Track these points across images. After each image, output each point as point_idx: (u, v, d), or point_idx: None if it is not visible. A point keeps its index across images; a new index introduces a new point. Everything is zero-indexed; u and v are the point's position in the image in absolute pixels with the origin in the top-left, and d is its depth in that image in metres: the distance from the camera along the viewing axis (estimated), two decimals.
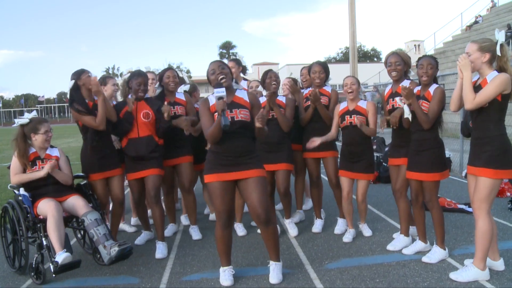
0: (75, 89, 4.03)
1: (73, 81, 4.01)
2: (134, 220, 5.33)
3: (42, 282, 3.57)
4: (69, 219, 3.96)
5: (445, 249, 3.72)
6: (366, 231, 4.49)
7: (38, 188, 3.83)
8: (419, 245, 3.90)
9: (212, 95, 3.34)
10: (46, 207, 3.62)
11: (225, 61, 4.49)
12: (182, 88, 4.86)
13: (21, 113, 4.58)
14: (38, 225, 3.67)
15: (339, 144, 4.53)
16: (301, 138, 4.71)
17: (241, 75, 5.43)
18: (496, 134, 3.14)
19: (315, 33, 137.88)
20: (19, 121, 3.95)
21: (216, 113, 3.27)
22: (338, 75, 4.49)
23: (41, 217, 3.69)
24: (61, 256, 3.41)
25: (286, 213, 4.68)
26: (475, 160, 3.22)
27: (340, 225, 4.63)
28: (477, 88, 3.16)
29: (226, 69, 3.47)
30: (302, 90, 4.89)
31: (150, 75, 4.91)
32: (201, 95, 5.95)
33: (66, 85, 4.13)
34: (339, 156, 4.54)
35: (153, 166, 4.18)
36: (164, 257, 4.09)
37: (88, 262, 3.99)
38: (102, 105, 3.96)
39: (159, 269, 3.83)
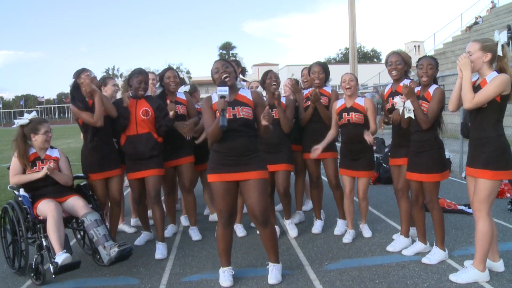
0: (76, 87, 4.05)
1: (74, 79, 4.05)
2: (133, 221, 5.32)
3: (42, 283, 3.57)
4: (69, 220, 3.96)
5: (445, 250, 3.72)
6: (366, 232, 4.49)
7: (38, 189, 3.83)
8: (419, 246, 3.90)
9: (216, 93, 3.35)
10: (46, 208, 3.62)
11: None
12: (182, 89, 4.87)
13: (21, 114, 4.58)
14: (38, 225, 3.67)
15: (339, 144, 4.52)
16: (301, 139, 4.72)
17: (241, 76, 5.43)
18: (494, 135, 3.14)
19: (315, 34, 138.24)
20: (19, 121, 3.95)
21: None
22: (338, 75, 4.48)
23: (41, 217, 3.69)
24: (61, 257, 3.41)
25: (286, 214, 4.67)
26: (474, 161, 3.22)
27: (340, 226, 4.63)
28: (476, 88, 3.16)
29: (230, 68, 3.47)
30: (302, 91, 4.89)
31: (150, 76, 4.91)
32: (201, 95, 5.96)
33: (66, 86, 4.17)
34: (339, 156, 4.54)
35: (153, 167, 4.18)
36: (163, 258, 4.09)
37: (88, 263, 3.99)
38: (99, 102, 3.97)
39: (158, 270, 3.83)
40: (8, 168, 3.96)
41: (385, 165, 7.27)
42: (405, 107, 3.67)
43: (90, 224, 3.66)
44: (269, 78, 4.54)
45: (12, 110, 70.90)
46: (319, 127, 4.52)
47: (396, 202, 4.23)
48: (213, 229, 4.81)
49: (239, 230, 4.72)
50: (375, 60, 64.84)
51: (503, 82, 3.05)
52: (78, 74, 4.05)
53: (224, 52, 65.74)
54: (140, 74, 4.19)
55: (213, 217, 5.27)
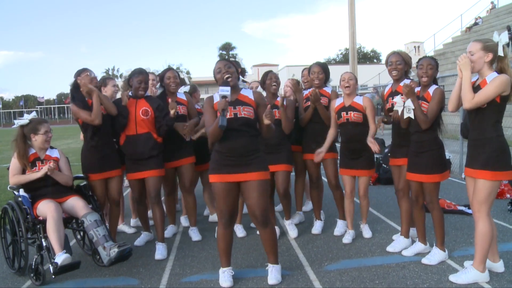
0: (76, 87, 4.06)
1: (74, 79, 4.07)
2: (133, 221, 5.32)
3: (42, 283, 3.57)
4: (69, 220, 3.96)
5: (445, 251, 3.72)
6: (366, 232, 4.49)
7: (38, 189, 3.83)
8: (418, 246, 3.90)
9: (217, 93, 3.35)
10: (46, 208, 3.62)
11: None
12: (182, 89, 4.87)
13: (21, 114, 4.58)
14: (38, 226, 3.67)
15: (338, 145, 4.52)
16: (301, 139, 4.72)
17: (240, 77, 5.43)
18: (493, 136, 3.14)
19: (315, 34, 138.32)
20: (19, 121, 3.95)
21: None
22: (338, 76, 4.48)
23: (40, 218, 3.69)
24: (61, 257, 3.41)
25: (286, 214, 4.67)
26: (473, 162, 3.22)
27: (340, 227, 4.63)
28: (476, 88, 3.16)
29: (232, 68, 3.47)
30: (303, 91, 4.89)
31: (150, 76, 4.91)
32: (201, 96, 5.96)
33: (66, 86, 4.20)
34: (338, 157, 4.54)
35: (153, 167, 4.18)
36: (163, 258, 4.09)
37: (88, 263, 3.99)
38: (96, 100, 3.97)
39: (158, 270, 3.83)
40: (8, 168, 3.95)
41: (385, 166, 7.27)
42: (405, 106, 3.67)
43: (90, 224, 3.66)
44: (269, 79, 4.54)
45: (12, 111, 70.88)
46: (319, 128, 4.51)
47: (396, 203, 4.23)
48: (213, 230, 4.81)
49: (239, 230, 4.72)
50: (375, 60, 64.91)
51: (503, 83, 3.05)
52: (79, 74, 4.07)
53: (224, 52, 65.80)
54: (140, 74, 4.20)
55: (213, 217, 5.27)
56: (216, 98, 3.39)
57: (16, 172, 3.85)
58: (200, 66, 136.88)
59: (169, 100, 4.45)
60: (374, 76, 26.00)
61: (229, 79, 3.38)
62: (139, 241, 4.56)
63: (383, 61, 4.37)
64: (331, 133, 4.40)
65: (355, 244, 4.28)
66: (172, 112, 4.26)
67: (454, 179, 7.19)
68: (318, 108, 4.45)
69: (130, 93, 4.30)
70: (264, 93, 4.56)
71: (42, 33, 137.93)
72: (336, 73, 4.39)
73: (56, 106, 74.80)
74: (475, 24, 23.29)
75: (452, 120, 9.67)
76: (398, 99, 3.78)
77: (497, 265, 3.43)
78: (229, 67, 3.45)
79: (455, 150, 8.24)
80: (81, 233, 4.34)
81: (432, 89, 3.65)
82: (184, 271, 3.81)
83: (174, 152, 4.50)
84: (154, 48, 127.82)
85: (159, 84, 4.68)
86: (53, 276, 3.45)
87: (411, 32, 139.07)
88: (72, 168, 4.22)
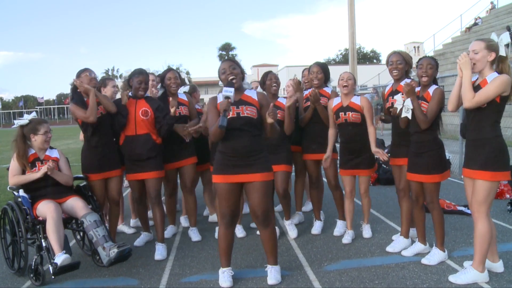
0: (75, 87, 4.06)
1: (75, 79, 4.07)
2: (133, 221, 5.32)
3: (41, 284, 3.57)
4: (69, 221, 3.96)
5: (444, 251, 3.72)
6: (366, 232, 4.49)
7: (38, 190, 3.83)
8: (418, 246, 3.90)
9: (221, 93, 3.35)
10: (46, 209, 3.62)
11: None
12: (182, 89, 4.87)
13: (21, 115, 4.58)
14: (38, 226, 3.67)
15: (337, 145, 4.53)
16: (301, 140, 4.72)
17: None
18: (492, 136, 3.14)
19: (315, 34, 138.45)
20: (18, 122, 3.95)
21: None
22: (337, 76, 4.48)
23: (40, 218, 3.69)
24: (60, 258, 3.41)
25: (286, 215, 4.67)
26: (472, 162, 3.22)
27: (340, 227, 4.63)
28: (476, 88, 3.16)
29: (237, 69, 3.46)
30: (303, 91, 4.89)
31: (150, 77, 4.91)
32: (201, 96, 5.96)
33: (65, 87, 4.20)
34: (338, 157, 4.54)
35: (152, 169, 4.18)
36: (163, 259, 4.09)
37: (87, 264, 3.99)
38: (92, 98, 3.97)
39: (158, 271, 3.83)
40: (8, 169, 3.95)
41: (385, 166, 7.27)
42: (404, 105, 3.68)
43: (90, 225, 3.66)
44: (269, 80, 4.54)
45: (11, 111, 70.83)
46: (319, 128, 4.51)
47: (395, 203, 4.23)
48: (212, 230, 4.81)
49: (239, 231, 4.72)
50: (374, 61, 64.91)
51: (503, 83, 3.05)
52: (79, 74, 4.08)
53: (224, 53, 65.82)
54: (140, 74, 4.20)
55: (213, 217, 5.28)
56: (220, 99, 3.39)
57: (15, 172, 3.85)
58: (200, 67, 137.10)
59: (170, 99, 4.45)
60: (373, 77, 25.94)
61: (234, 81, 3.38)
62: (138, 242, 4.56)
63: (383, 62, 4.40)
64: (331, 134, 4.40)
65: (354, 245, 4.28)
66: (172, 110, 4.25)
67: (453, 179, 7.19)
68: (318, 108, 4.45)
69: (130, 93, 4.30)
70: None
71: (42, 34, 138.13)
72: (336, 74, 4.38)
73: (56, 106, 74.72)
74: (475, 24, 23.28)
75: (451, 120, 9.68)
76: (398, 97, 3.79)
77: (497, 265, 3.43)
78: (234, 68, 3.45)
79: (454, 150, 8.24)
80: (81, 234, 4.35)
81: (432, 89, 3.65)
82: (183, 271, 3.81)
83: (176, 153, 4.50)
84: (154, 49, 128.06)
85: (160, 85, 4.68)
86: (53, 277, 3.46)
87: (411, 33, 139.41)
88: (72, 168, 4.22)
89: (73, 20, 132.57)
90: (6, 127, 51.60)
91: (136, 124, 4.15)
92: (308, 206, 5.67)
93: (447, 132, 10.53)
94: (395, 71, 4.05)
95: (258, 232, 4.63)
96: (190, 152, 4.59)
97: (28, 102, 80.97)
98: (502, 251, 3.76)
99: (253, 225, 4.97)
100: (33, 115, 4.05)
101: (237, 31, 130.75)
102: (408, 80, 4.01)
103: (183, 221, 5.22)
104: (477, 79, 3.24)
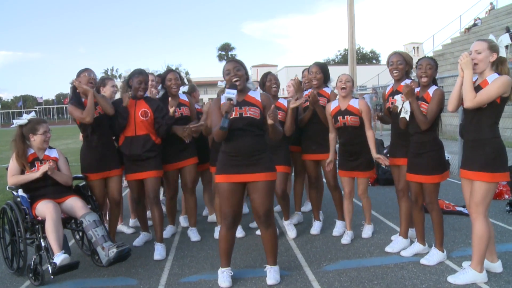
0: (74, 88, 4.06)
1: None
2: (132, 221, 5.32)
3: (40, 284, 3.56)
4: (68, 221, 3.96)
5: (443, 251, 3.73)
6: (365, 233, 4.49)
7: (37, 190, 3.82)
8: (417, 247, 3.90)
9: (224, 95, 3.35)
10: (45, 209, 3.62)
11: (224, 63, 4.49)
12: (181, 89, 4.87)
13: (20, 115, 4.58)
14: (37, 226, 3.67)
15: (337, 146, 4.53)
16: (300, 140, 4.72)
17: None
18: (490, 137, 3.14)
19: (314, 35, 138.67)
20: (17, 121, 3.95)
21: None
22: (337, 77, 4.48)
23: (39, 218, 3.69)
24: (59, 258, 3.40)
25: (285, 215, 4.67)
26: (470, 163, 3.22)
27: (339, 227, 4.63)
28: (476, 88, 3.16)
29: (242, 71, 3.45)
30: (303, 91, 4.89)
31: (149, 77, 4.91)
32: (200, 96, 5.96)
33: (64, 87, 4.21)
34: (337, 158, 4.54)
35: (151, 168, 4.18)
36: (162, 259, 4.09)
37: (87, 264, 3.99)
38: (90, 99, 3.97)
39: (157, 271, 3.83)
40: (7, 168, 3.95)
41: (384, 166, 7.26)
42: (403, 106, 3.68)
43: (89, 224, 3.66)
44: (269, 81, 4.54)
45: (10, 111, 70.75)
46: (318, 128, 4.51)
47: (394, 203, 4.24)
48: (211, 230, 4.82)
49: (238, 231, 4.71)
50: (374, 61, 64.92)
51: (504, 83, 3.05)
52: (79, 74, 4.08)
53: (223, 53, 65.86)
54: (140, 75, 4.20)
55: (212, 217, 5.28)
56: (223, 100, 3.39)
57: (14, 172, 3.85)
58: (200, 67, 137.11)
59: (169, 100, 4.44)
60: (373, 77, 25.97)
61: (237, 83, 3.38)
62: (137, 242, 4.55)
63: (382, 62, 4.42)
64: (332, 138, 4.40)
65: (353, 245, 4.29)
66: (171, 110, 4.25)
67: (452, 180, 7.19)
68: (317, 109, 4.44)
69: (130, 95, 4.29)
70: None
71: (41, 34, 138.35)
72: (335, 74, 4.39)
73: (55, 106, 74.67)
74: (474, 25, 23.31)
75: (451, 121, 9.70)
76: (398, 97, 3.80)
77: (495, 265, 3.44)
78: (238, 70, 3.44)
79: (454, 151, 8.25)
80: (80, 233, 4.34)
81: (431, 90, 3.66)
82: (183, 271, 3.81)
83: (177, 154, 4.50)
84: (153, 49, 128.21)
85: (160, 86, 4.67)
86: (52, 277, 3.46)
87: (410, 33, 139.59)
88: (71, 168, 4.22)
89: (72, 20, 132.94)
90: (5, 127, 51.43)
91: (135, 125, 4.15)
92: (307, 206, 5.67)
93: (446, 133, 10.56)
94: (396, 72, 4.05)
95: (257, 232, 4.65)
96: (191, 153, 4.59)
97: (27, 102, 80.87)
98: (501, 252, 3.76)
99: (252, 225, 4.97)
100: (32, 115, 4.05)
101: (237, 31, 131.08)
102: (408, 81, 4.01)
103: (182, 221, 5.22)
104: (477, 80, 3.24)
